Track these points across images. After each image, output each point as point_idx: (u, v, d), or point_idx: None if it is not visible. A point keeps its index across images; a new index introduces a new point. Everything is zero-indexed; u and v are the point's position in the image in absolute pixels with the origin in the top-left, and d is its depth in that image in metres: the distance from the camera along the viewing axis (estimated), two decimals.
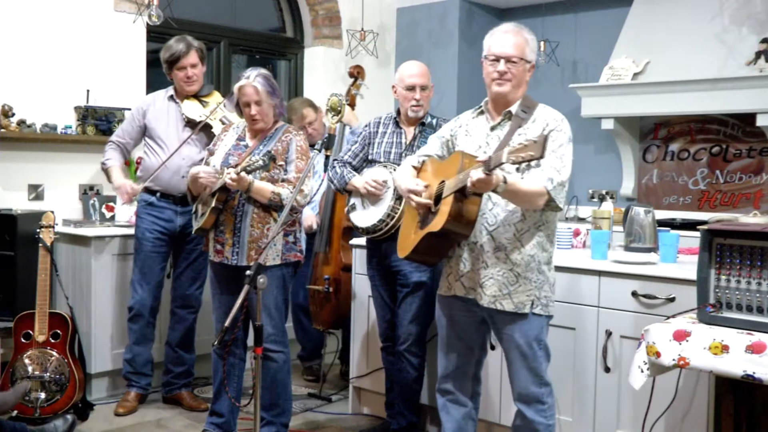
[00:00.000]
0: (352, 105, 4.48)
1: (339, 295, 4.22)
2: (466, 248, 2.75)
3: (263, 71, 3.42)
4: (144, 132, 4.15)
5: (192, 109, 4.10)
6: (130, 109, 4.41)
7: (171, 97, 4.15)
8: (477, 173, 2.42)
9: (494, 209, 2.69)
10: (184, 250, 4.13)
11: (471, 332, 2.84)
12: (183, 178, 3.94)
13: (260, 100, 3.36)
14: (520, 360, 2.73)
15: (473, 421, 2.98)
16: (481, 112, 2.84)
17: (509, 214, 2.67)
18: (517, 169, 2.61)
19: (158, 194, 4.06)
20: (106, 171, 4.15)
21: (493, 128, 2.76)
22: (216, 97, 4.21)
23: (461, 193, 2.56)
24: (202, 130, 4.07)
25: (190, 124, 4.08)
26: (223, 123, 4.01)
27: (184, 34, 4.16)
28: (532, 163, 2.57)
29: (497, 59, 2.71)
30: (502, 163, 2.37)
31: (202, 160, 4.07)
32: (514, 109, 2.72)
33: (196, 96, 4.14)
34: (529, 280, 2.69)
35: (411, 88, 3.49)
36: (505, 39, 2.73)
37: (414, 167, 2.93)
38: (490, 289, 2.70)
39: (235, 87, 3.40)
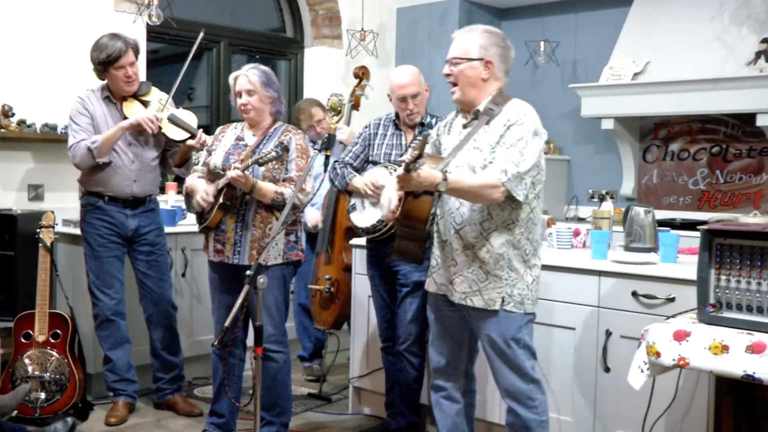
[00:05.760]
0: (357, 106, 4.44)
1: (341, 296, 4.21)
2: (438, 245, 2.80)
3: (262, 66, 3.43)
4: None
5: (135, 111, 3.83)
6: None
7: (107, 99, 3.85)
8: (399, 172, 2.48)
9: (461, 208, 2.72)
10: (141, 253, 3.94)
11: (458, 327, 2.86)
12: (135, 182, 3.87)
13: (252, 90, 3.36)
14: (499, 357, 2.74)
15: (469, 418, 2.98)
16: (460, 111, 2.87)
17: (474, 213, 2.69)
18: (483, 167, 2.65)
19: (106, 198, 3.82)
20: (98, 147, 3.70)
21: (465, 126, 2.80)
22: (155, 94, 3.94)
23: (412, 193, 2.63)
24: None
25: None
26: (172, 122, 3.83)
27: (116, 32, 3.83)
28: (485, 160, 2.62)
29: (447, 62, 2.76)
30: (410, 162, 2.39)
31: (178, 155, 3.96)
32: (481, 107, 2.73)
33: (135, 96, 3.87)
34: (498, 277, 2.69)
35: (402, 99, 3.51)
36: (453, 42, 2.77)
37: None
38: (460, 286, 2.73)
39: (231, 77, 3.42)
